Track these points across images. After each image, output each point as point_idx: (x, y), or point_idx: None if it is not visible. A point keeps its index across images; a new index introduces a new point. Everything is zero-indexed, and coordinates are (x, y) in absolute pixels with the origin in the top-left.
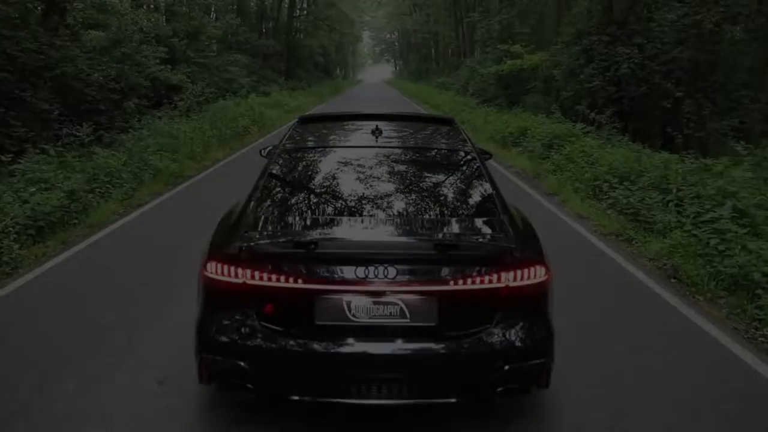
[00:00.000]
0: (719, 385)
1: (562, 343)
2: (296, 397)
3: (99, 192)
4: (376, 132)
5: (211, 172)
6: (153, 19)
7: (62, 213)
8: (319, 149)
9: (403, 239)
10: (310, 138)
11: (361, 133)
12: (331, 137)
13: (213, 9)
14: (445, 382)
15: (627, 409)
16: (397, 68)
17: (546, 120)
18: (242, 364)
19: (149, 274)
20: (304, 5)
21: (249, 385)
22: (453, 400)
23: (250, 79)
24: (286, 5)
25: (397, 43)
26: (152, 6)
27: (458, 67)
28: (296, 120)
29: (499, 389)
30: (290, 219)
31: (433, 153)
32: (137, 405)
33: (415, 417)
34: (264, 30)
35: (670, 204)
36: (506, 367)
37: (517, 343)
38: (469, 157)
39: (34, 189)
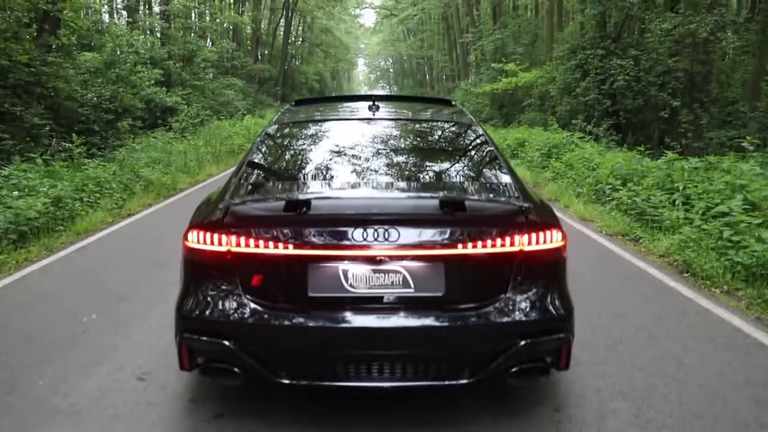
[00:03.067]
0: (748, 371)
1: (578, 335)
2: (287, 381)
3: (87, 201)
4: (373, 107)
5: (204, 186)
6: (149, 43)
7: (47, 219)
8: (312, 122)
9: (405, 197)
10: (302, 114)
11: (357, 109)
12: (326, 113)
13: (208, 34)
14: (454, 360)
15: (651, 398)
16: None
17: (543, 132)
18: (227, 344)
19: (133, 280)
20: (300, 32)
21: (235, 369)
22: (464, 382)
23: (246, 102)
24: (281, 32)
25: (391, 70)
26: (147, 31)
27: (453, 90)
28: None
29: (514, 369)
30: (280, 185)
31: (436, 124)
32: (116, 401)
33: (419, 404)
34: (260, 56)
35: (676, 202)
36: (522, 343)
37: (534, 316)
38: (473, 127)
39: (17, 193)
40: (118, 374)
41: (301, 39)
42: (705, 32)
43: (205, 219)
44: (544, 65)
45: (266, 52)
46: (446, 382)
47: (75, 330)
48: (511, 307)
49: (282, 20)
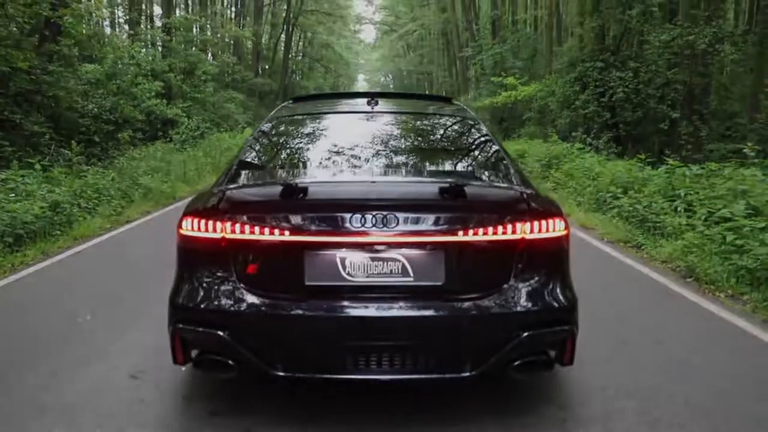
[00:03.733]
0: (756, 372)
1: (581, 338)
2: (282, 374)
3: (85, 207)
4: (372, 102)
5: None
6: (150, 55)
7: (44, 223)
8: (310, 116)
9: (404, 183)
10: (299, 109)
11: (356, 104)
12: (324, 107)
13: (209, 47)
14: (455, 352)
15: (657, 397)
16: None
17: (543, 144)
18: (222, 334)
19: (130, 283)
20: (300, 47)
21: (230, 362)
22: (465, 375)
23: (246, 116)
24: (282, 47)
25: (391, 85)
26: (149, 44)
27: None
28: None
29: (517, 362)
30: (276, 173)
31: (437, 118)
32: (109, 399)
33: (420, 401)
34: (260, 70)
35: (678, 208)
36: (524, 335)
37: (537, 306)
38: (473, 121)
39: (14, 197)
40: (111, 373)
41: (301, 54)
42: (703, 44)
43: (200, 206)
44: (543, 79)
45: (267, 66)
46: (447, 375)
47: (69, 330)
48: (513, 298)
49: (283, 35)
